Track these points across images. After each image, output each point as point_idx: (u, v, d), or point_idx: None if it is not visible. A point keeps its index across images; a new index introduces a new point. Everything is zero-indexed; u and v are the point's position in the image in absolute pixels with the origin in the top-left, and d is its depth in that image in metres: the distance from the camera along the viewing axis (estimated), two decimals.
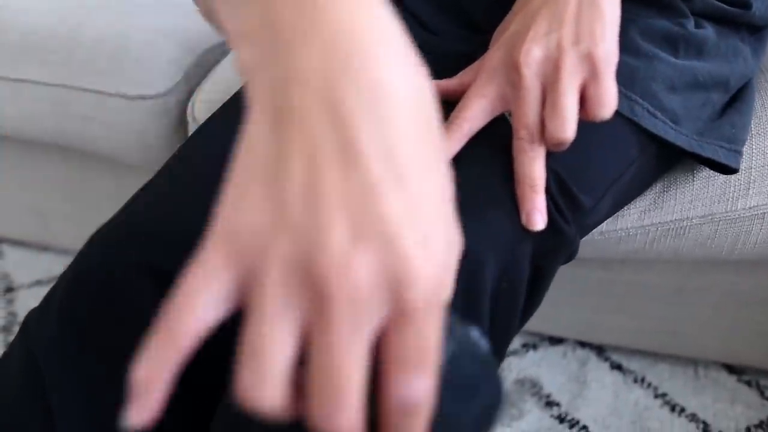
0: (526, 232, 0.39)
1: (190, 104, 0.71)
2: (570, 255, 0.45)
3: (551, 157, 0.41)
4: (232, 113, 0.52)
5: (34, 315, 0.43)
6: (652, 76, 0.47)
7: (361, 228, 0.20)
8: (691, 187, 0.57)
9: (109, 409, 0.41)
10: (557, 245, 0.42)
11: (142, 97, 0.72)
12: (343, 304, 0.19)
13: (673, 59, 0.48)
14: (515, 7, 0.43)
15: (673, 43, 0.49)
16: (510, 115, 0.41)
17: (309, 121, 0.20)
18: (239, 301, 0.22)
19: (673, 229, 0.58)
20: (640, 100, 0.47)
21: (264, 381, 0.20)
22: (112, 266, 0.41)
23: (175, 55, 0.74)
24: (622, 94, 0.46)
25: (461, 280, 0.37)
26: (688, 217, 0.57)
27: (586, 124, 0.44)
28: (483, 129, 0.42)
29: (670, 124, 0.48)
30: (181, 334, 0.21)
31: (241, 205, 0.21)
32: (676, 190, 0.57)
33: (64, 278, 0.43)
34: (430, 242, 0.20)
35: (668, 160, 0.54)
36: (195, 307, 0.21)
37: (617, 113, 0.46)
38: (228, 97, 0.69)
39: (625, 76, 0.46)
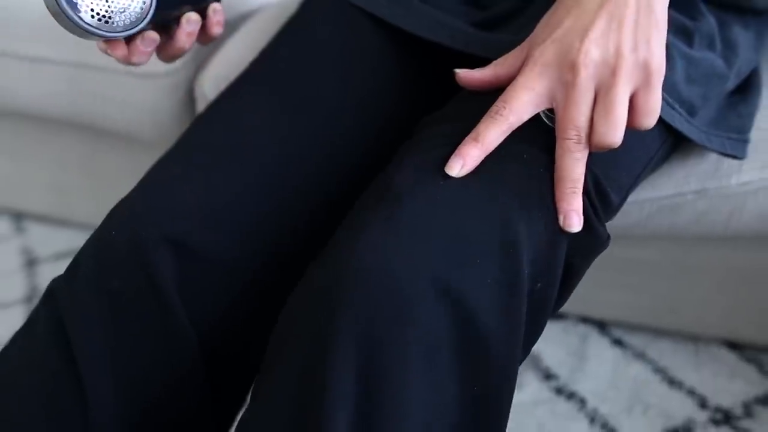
0: (563, 234, 0.39)
1: (197, 82, 0.73)
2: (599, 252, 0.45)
3: (590, 158, 0.41)
4: (241, 89, 0.53)
5: (60, 284, 0.45)
6: (672, 66, 0.47)
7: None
8: (684, 162, 0.58)
9: (137, 375, 0.43)
10: (591, 245, 0.42)
11: (152, 75, 0.74)
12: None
13: (689, 50, 0.49)
14: (562, 2, 0.42)
15: (687, 34, 0.50)
16: (550, 113, 0.41)
17: None
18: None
19: (667, 204, 0.59)
20: (662, 93, 0.47)
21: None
22: (133, 240, 0.43)
23: None
24: None
25: (503, 275, 0.37)
26: (681, 193, 0.58)
27: None
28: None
29: (686, 116, 0.49)
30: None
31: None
32: (670, 165, 0.58)
33: (87, 253, 0.45)
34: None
35: (676, 146, 0.55)
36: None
37: None
38: (236, 74, 0.71)
39: None
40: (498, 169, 0.39)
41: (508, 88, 0.40)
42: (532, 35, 0.42)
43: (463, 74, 0.44)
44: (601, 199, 0.42)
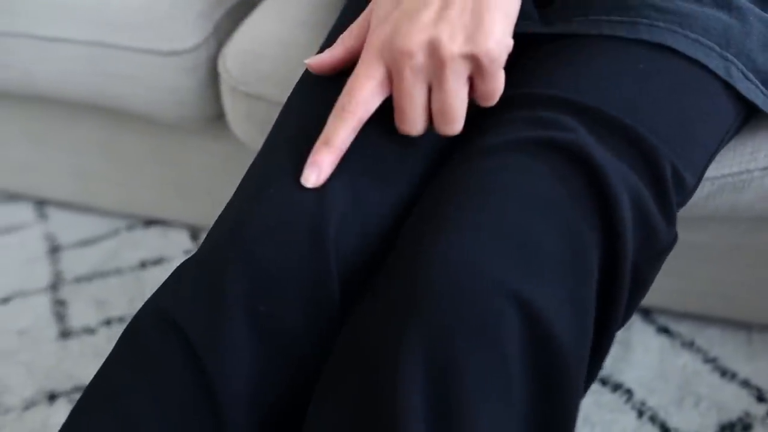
0: (629, 241, 0.36)
1: (221, 57, 0.69)
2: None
3: (666, 146, 0.37)
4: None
5: (181, 296, 0.38)
6: (748, 32, 0.43)
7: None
8: (752, 137, 0.53)
9: (276, 394, 0.38)
10: (657, 249, 0.38)
11: (173, 53, 0.71)
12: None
13: (764, 14, 0.44)
14: None
15: None
16: None
17: None
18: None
19: (731, 183, 0.54)
20: (736, 61, 0.43)
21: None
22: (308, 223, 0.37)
23: (204, 8, 0.72)
24: (716, 53, 0.42)
25: (577, 292, 0.34)
26: (748, 170, 0.53)
27: (686, 96, 0.40)
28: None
29: (761, 87, 0.44)
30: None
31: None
32: (736, 140, 0.53)
33: (217, 269, 0.37)
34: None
35: (747, 120, 0.50)
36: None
37: (715, 76, 0.42)
38: (259, 49, 0.67)
39: (719, 34, 0.42)
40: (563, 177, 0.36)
41: (350, 78, 0.37)
42: (375, 5, 0.38)
43: (313, 62, 0.41)
44: (677, 183, 0.38)
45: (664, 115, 0.39)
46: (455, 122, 0.36)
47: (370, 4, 0.39)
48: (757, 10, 0.44)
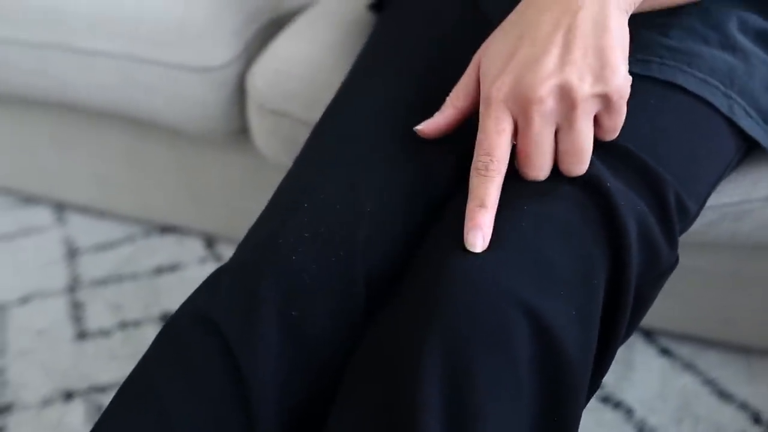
0: (633, 266, 0.38)
1: (250, 75, 0.72)
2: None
3: (673, 178, 0.40)
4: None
5: (217, 298, 0.39)
6: (750, 73, 0.46)
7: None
8: (754, 168, 0.55)
9: (301, 394, 0.40)
10: (659, 272, 0.41)
11: (204, 69, 0.74)
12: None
13: (767, 57, 0.47)
14: (515, 22, 0.39)
15: (766, 40, 0.48)
16: None
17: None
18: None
19: (732, 212, 0.57)
20: (739, 99, 0.46)
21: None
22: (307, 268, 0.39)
23: (236, 26, 0.75)
24: (721, 92, 0.45)
25: (585, 307, 0.36)
26: (749, 200, 0.56)
27: (692, 131, 0.43)
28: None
29: (763, 125, 0.47)
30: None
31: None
32: (738, 172, 0.56)
33: (250, 275, 0.39)
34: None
35: (749, 152, 0.53)
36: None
37: (718, 112, 0.45)
38: (288, 68, 0.70)
39: (724, 74, 0.45)
40: (577, 199, 0.39)
41: (480, 136, 0.38)
42: (483, 60, 0.39)
43: (426, 127, 0.42)
44: (680, 211, 0.41)
45: (673, 150, 0.42)
46: (585, 161, 0.38)
47: (471, 65, 0.40)
48: (760, 53, 0.47)
